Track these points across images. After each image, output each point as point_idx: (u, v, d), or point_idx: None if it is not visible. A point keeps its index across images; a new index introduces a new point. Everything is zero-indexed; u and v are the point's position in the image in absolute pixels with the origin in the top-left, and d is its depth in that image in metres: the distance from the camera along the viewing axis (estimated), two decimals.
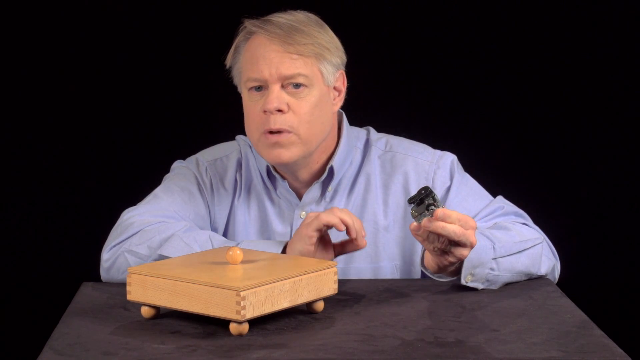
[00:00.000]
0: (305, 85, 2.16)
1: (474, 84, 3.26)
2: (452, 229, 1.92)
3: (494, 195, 2.30)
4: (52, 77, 3.22)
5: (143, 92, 3.25)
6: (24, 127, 3.24)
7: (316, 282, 1.87)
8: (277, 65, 2.14)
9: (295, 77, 2.15)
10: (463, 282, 2.03)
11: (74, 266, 3.19)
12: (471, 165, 2.42)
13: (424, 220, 1.92)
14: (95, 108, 3.25)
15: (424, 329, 1.81)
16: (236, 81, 2.24)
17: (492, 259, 2.05)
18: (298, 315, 1.89)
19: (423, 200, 1.93)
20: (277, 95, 2.14)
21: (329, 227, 2.05)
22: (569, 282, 2.34)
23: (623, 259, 3.29)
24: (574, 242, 3.28)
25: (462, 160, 2.34)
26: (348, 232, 2.06)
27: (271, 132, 2.15)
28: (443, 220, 1.91)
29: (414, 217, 1.93)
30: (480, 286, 2.05)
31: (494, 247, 2.06)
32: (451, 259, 2.00)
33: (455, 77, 3.26)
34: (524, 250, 2.11)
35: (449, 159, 2.29)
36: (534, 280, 2.15)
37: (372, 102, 3.25)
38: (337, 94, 2.24)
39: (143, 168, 3.08)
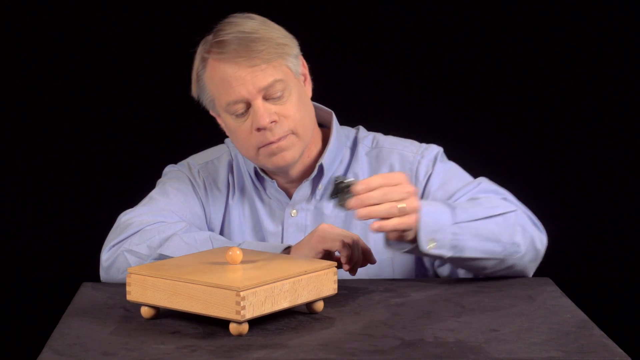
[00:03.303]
0: (284, 89, 2.15)
1: (472, 83, 3.26)
2: (378, 209, 1.91)
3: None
4: (51, 80, 3.22)
5: (141, 96, 3.25)
6: (24, 129, 3.24)
7: (316, 282, 1.87)
8: (252, 81, 2.13)
9: (273, 85, 2.13)
10: (425, 248, 2.00)
11: (74, 266, 3.19)
12: (470, 166, 2.41)
13: (353, 201, 1.90)
14: (96, 109, 3.25)
15: (424, 329, 1.81)
16: (209, 107, 2.24)
17: (454, 223, 2.03)
18: (298, 315, 1.89)
19: (339, 188, 1.92)
20: (264, 110, 2.13)
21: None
22: (569, 282, 2.34)
23: (623, 259, 3.29)
24: (574, 241, 3.28)
25: (462, 160, 2.33)
26: (345, 262, 2.05)
27: (271, 142, 2.16)
28: (366, 188, 1.90)
29: (341, 207, 1.92)
30: (446, 253, 2.02)
31: (454, 212, 2.03)
32: (405, 232, 1.98)
33: (451, 76, 3.26)
34: (492, 216, 2.07)
35: (434, 151, 2.28)
36: (534, 280, 2.15)
37: (367, 102, 3.25)
38: (303, 78, 2.24)
39: (143, 169, 3.06)
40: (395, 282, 2.14)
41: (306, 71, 2.25)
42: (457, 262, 2.08)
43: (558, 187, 3.28)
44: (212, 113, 2.26)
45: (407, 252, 2.05)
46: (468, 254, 2.05)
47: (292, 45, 2.20)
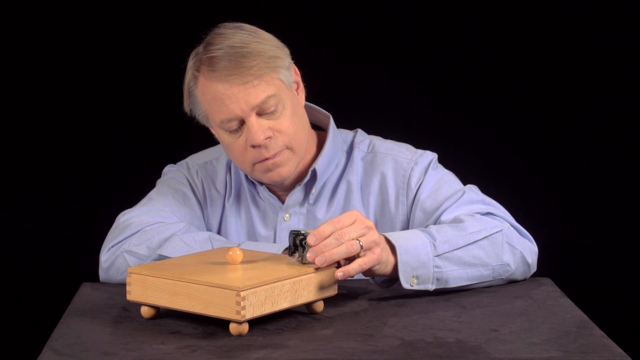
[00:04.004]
0: (278, 104, 2.13)
1: (468, 85, 3.26)
2: (337, 251, 1.87)
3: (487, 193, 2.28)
4: (51, 80, 3.22)
5: (141, 96, 3.25)
6: (24, 130, 3.24)
7: (316, 283, 1.87)
8: (245, 99, 2.10)
9: (266, 101, 2.11)
10: (407, 286, 1.99)
11: (74, 266, 3.19)
12: (470, 166, 2.41)
13: (309, 254, 1.87)
14: (96, 109, 3.25)
15: (424, 329, 1.81)
16: (202, 121, 2.22)
17: (435, 256, 2.01)
18: (298, 315, 1.89)
19: (296, 243, 1.90)
20: (259, 127, 2.11)
21: None
22: (569, 282, 2.34)
23: (623, 259, 3.29)
24: (574, 242, 3.27)
25: (461, 160, 2.33)
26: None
27: (266, 158, 2.15)
28: (319, 238, 1.87)
29: (302, 262, 1.89)
30: (430, 287, 2.01)
31: (434, 245, 2.02)
32: (374, 267, 1.96)
33: (449, 78, 3.26)
34: (476, 241, 2.06)
35: (427, 158, 2.27)
36: (534, 280, 2.15)
37: (364, 104, 3.25)
38: (296, 86, 2.22)
39: (143, 169, 3.07)
40: (395, 282, 2.14)
41: (299, 78, 2.23)
42: (445, 290, 2.06)
43: (558, 187, 3.28)
44: (205, 125, 2.24)
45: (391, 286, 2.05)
46: (454, 284, 2.04)
47: (283, 56, 2.17)
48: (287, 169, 2.17)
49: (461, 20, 3.23)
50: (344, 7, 3.22)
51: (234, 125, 2.14)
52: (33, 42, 3.21)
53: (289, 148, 2.16)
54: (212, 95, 2.13)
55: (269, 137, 2.13)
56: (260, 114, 2.13)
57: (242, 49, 2.11)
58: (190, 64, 2.17)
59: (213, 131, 2.24)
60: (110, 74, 3.23)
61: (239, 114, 2.12)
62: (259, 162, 2.15)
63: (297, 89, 2.22)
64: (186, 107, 2.22)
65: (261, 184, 2.26)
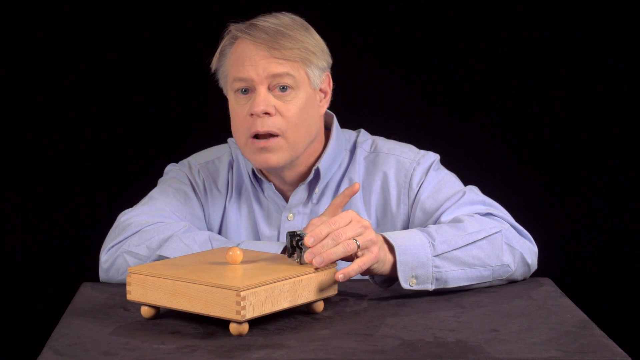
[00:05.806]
0: (292, 88, 2.15)
1: (468, 85, 3.26)
2: (334, 251, 1.88)
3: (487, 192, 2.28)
4: (51, 79, 3.22)
5: (142, 96, 3.25)
6: (24, 129, 3.24)
7: (316, 283, 1.87)
8: (264, 66, 2.13)
9: (282, 76, 2.14)
10: (407, 286, 1.99)
11: (74, 266, 3.19)
12: (468, 168, 2.41)
13: (306, 254, 1.87)
14: (96, 109, 3.25)
15: (424, 329, 1.81)
16: (222, 83, 2.23)
17: (434, 256, 2.02)
18: (298, 315, 1.89)
19: (293, 245, 1.89)
20: (264, 98, 2.13)
21: None
22: (569, 282, 2.33)
23: (623, 259, 3.29)
24: (574, 242, 3.27)
25: (463, 160, 2.33)
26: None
27: (257, 137, 2.15)
28: (316, 239, 1.87)
29: (301, 263, 1.89)
30: (430, 287, 2.02)
31: (432, 245, 2.02)
32: (373, 266, 1.96)
33: (450, 79, 3.26)
34: (475, 242, 2.06)
35: (430, 159, 2.27)
36: (534, 280, 2.15)
37: (366, 104, 3.25)
38: (323, 95, 2.23)
39: (143, 169, 3.07)
40: (395, 283, 2.14)
41: (329, 90, 2.24)
42: (445, 290, 2.06)
43: (558, 187, 3.28)
44: (224, 91, 2.24)
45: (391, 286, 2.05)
46: (453, 284, 2.04)
47: (321, 58, 2.20)
48: (276, 158, 2.17)
49: (462, 20, 3.23)
50: (344, 7, 3.22)
51: (243, 85, 2.15)
52: (33, 42, 3.20)
53: (283, 137, 2.16)
54: (238, 54, 2.16)
55: (269, 114, 2.13)
56: (272, 89, 2.14)
57: (286, 30, 2.15)
58: (234, 26, 2.19)
59: (228, 97, 2.24)
60: (111, 73, 3.23)
61: (253, 77, 2.14)
62: (251, 138, 2.15)
63: (322, 99, 2.23)
64: (213, 64, 2.23)
65: (268, 180, 2.26)
